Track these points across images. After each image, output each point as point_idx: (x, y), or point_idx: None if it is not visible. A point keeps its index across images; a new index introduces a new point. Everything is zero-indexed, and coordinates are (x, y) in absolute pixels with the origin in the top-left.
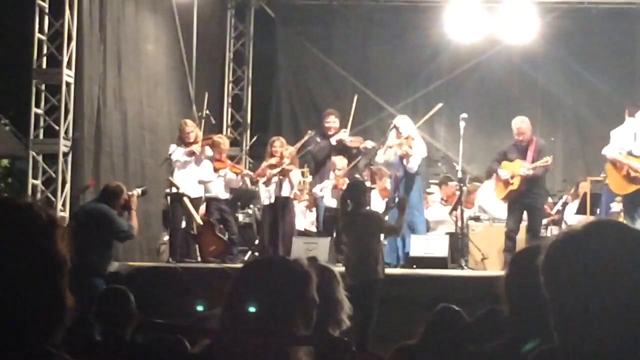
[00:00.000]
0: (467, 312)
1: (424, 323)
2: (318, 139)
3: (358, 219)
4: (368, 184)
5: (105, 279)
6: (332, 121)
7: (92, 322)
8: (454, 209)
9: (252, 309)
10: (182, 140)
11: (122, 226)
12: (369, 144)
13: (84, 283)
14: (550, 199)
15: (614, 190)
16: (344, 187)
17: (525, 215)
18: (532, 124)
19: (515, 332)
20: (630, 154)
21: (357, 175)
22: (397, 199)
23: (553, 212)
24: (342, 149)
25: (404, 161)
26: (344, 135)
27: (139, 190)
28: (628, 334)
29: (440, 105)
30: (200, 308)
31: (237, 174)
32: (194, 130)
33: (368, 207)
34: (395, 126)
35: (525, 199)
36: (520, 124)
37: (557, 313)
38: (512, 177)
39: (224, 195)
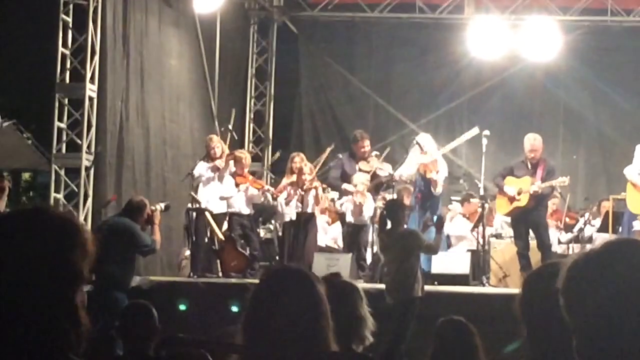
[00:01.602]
0: (488, 330)
1: (432, 339)
2: (345, 163)
3: (396, 238)
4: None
5: (127, 294)
6: (367, 145)
7: (114, 337)
8: (476, 226)
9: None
10: (209, 156)
11: (145, 240)
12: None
13: (107, 297)
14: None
15: (632, 210)
16: (363, 202)
17: (532, 232)
18: (553, 142)
19: (534, 353)
20: None
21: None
22: (435, 218)
23: (575, 229)
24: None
25: (432, 188)
26: (383, 175)
27: (162, 205)
28: None
29: (475, 129)
30: (234, 309)
31: (258, 189)
32: (220, 145)
33: (406, 226)
34: (418, 144)
35: (529, 216)
36: (534, 140)
37: (580, 335)
38: (519, 194)
39: (246, 210)
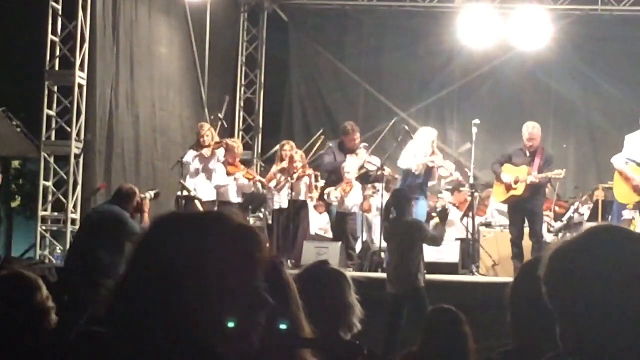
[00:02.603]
0: (478, 318)
1: (423, 328)
2: (336, 153)
3: (401, 228)
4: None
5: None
6: (357, 137)
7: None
8: (466, 215)
9: (283, 326)
10: (199, 144)
11: (135, 228)
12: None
13: (96, 284)
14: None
15: (620, 200)
16: (351, 191)
17: (527, 220)
18: (544, 131)
19: (519, 340)
20: (639, 164)
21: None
22: (439, 209)
23: (565, 218)
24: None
25: (430, 178)
26: (364, 156)
27: (152, 193)
28: (635, 339)
29: (468, 145)
30: (283, 326)
31: (250, 179)
32: (210, 134)
33: (410, 216)
34: (433, 141)
35: (527, 205)
36: (532, 129)
37: (564, 322)
38: (515, 182)
39: (236, 199)
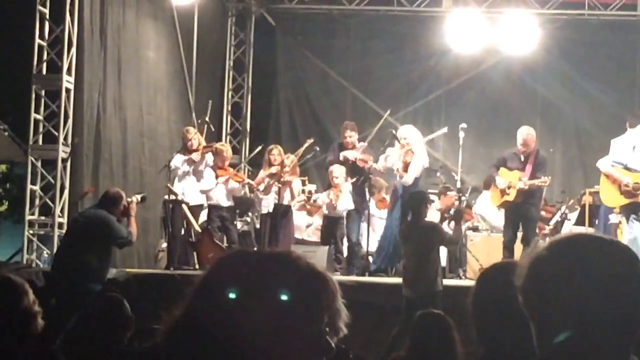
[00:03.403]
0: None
1: (410, 333)
2: (335, 151)
3: (417, 231)
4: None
5: (103, 285)
6: (349, 135)
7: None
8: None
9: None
10: (185, 148)
11: (121, 232)
12: (376, 165)
13: (83, 289)
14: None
15: (606, 203)
16: (331, 196)
17: (521, 224)
18: None
19: (487, 348)
20: (625, 167)
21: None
22: (453, 210)
23: (552, 223)
24: (350, 164)
25: (397, 176)
26: (350, 154)
27: (138, 197)
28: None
29: (444, 130)
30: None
31: (239, 182)
32: (196, 137)
33: (427, 219)
34: (399, 137)
35: (521, 210)
36: (527, 135)
37: (542, 331)
38: (508, 188)
39: (226, 202)
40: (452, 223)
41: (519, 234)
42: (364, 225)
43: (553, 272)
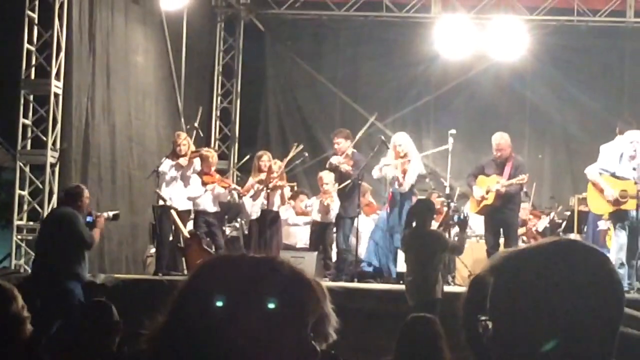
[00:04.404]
0: (454, 328)
1: (398, 337)
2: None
3: (419, 239)
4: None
5: (82, 283)
6: (336, 142)
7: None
8: (441, 225)
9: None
10: (175, 153)
11: (83, 232)
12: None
13: (58, 287)
14: (528, 205)
15: (593, 211)
16: (328, 201)
17: (502, 230)
18: (519, 141)
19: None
20: (613, 175)
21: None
22: (457, 217)
23: (540, 228)
24: (335, 170)
25: (396, 183)
26: (334, 159)
27: (111, 214)
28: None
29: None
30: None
31: (225, 187)
32: (186, 143)
33: (431, 227)
34: (393, 144)
35: (500, 215)
36: (500, 139)
37: (500, 339)
38: (487, 193)
39: (212, 208)
40: (457, 230)
41: (501, 241)
42: (353, 230)
43: (512, 281)
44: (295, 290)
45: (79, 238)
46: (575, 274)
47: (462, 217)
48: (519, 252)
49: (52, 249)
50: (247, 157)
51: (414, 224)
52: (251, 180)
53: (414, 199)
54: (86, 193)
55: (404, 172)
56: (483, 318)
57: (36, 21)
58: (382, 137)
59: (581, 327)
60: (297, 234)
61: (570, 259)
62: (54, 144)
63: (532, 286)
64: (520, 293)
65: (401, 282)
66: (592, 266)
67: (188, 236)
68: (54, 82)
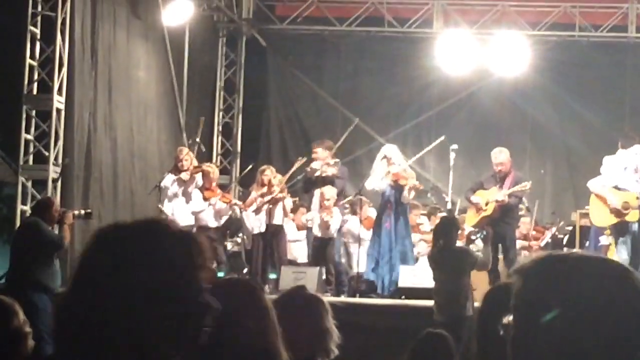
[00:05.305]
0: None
1: (408, 350)
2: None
3: (449, 255)
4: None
5: (51, 295)
6: (314, 151)
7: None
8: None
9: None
10: (177, 168)
11: (51, 236)
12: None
13: (30, 301)
14: (530, 220)
15: (596, 223)
16: (327, 217)
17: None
18: (521, 156)
19: None
20: (616, 187)
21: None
22: (480, 233)
23: (542, 244)
24: (323, 180)
25: (404, 192)
26: (315, 164)
27: (82, 212)
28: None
29: (442, 138)
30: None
31: (226, 203)
32: (189, 158)
33: (458, 244)
34: (385, 156)
35: (498, 228)
36: (500, 154)
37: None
38: (486, 204)
39: (214, 223)
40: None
41: (500, 257)
42: (354, 247)
43: (544, 291)
44: (179, 246)
45: (47, 241)
46: (587, 287)
47: (485, 232)
48: (548, 255)
49: (19, 260)
50: (250, 167)
51: (440, 242)
52: (254, 194)
53: (407, 210)
54: (56, 206)
55: (397, 178)
56: (506, 320)
57: (38, 36)
58: (382, 151)
59: (597, 345)
60: (298, 249)
61: (596, 268)
62: (55, 159)
63: (559, 290)
64: (547, 295)
65: (403, 297)
66: (605, 276)
67: None
68: (56, 97)
